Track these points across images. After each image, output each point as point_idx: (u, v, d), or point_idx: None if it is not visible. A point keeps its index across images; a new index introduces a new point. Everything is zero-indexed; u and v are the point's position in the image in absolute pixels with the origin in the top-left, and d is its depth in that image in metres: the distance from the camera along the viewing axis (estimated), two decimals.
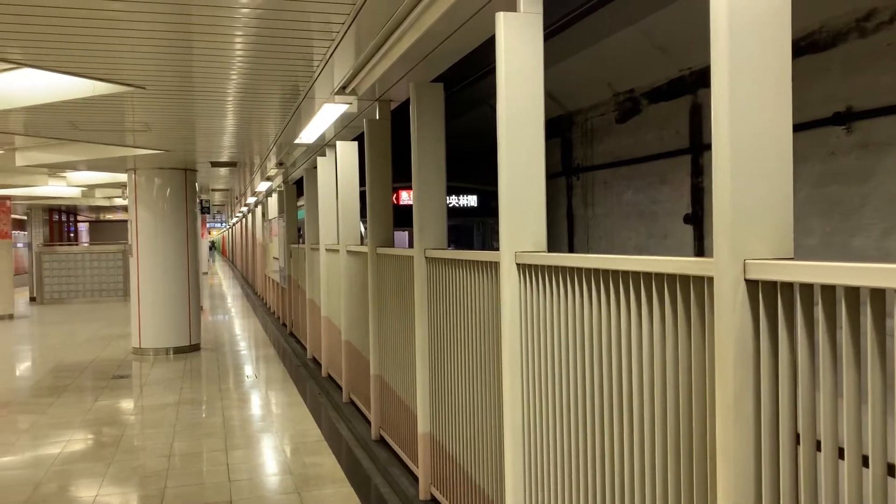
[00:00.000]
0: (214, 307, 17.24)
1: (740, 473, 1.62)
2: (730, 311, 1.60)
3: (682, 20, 7.03)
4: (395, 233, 10.68)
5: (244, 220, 25.67)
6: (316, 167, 9.12)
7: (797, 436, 1.57)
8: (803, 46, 6.19)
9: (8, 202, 15.41)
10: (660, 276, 1.94)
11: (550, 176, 10.78)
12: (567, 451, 2.51)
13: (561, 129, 10.36)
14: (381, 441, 5.28)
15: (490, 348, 3.20)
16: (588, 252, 9.60)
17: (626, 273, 2.10)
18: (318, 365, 8.51)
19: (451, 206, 10.83)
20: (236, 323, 14.26)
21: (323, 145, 7.75)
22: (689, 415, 1.85)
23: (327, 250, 7.65)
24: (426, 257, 4.06)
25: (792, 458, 1.57)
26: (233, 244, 38.55)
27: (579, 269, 2.39)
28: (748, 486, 1.62)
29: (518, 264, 2.81)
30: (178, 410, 6.68)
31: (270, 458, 5.23)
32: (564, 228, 10.40)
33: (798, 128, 5.38)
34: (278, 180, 12.93)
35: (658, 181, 8.43)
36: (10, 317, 15.31)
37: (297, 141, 7.50)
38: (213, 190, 16.19)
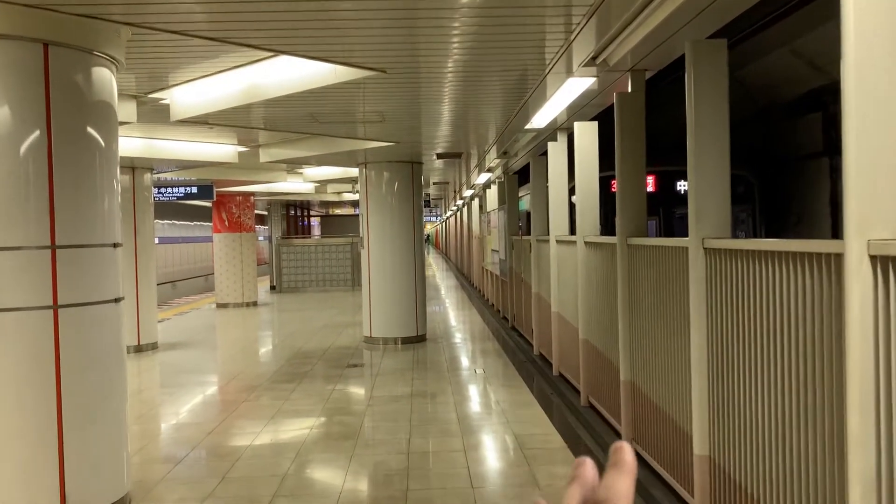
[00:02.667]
0: (432, 298, 17.52)
1: None
2: None
3: None
4: None
5: (458, 213, 26.07)
6: (543, 154, 8.68)
7: None
8: None
9: (252, 198, 16.72)
10: None
11: (808, 157, 9.45)
12: None
13: (822, 101, 9.01)
14: (636, 456, 4.69)
15: (816, 361, 2.51)
16: None
17: None
18: (547, 362, 8.06)
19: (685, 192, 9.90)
20: (456, 314, 14.29)
21: (554, 129, 7.27)
22: None
23: (558, 242, 7.17)
24: (705, 248, 3.41)
25: None
26: (447, 237, 39.58)
27: None
28: None
29: (872, 256, 2.11)
30: (411, 403, 6.56)
31: (512, 464, 4.86)
32: (826, 218, 9.04)
33: None
34: (498, 171, 12.71)
35: None
36: (255, 304, 16.61)
37: (527, 126, 7.09)
38: (434, 183, 16.43)
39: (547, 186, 8.66)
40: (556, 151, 7.25)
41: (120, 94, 6.26)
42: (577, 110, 6.27)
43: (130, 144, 8.90)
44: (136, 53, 4.79)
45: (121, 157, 9.41)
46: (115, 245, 4.19)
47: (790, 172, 9.89)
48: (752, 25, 9.04)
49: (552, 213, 7.25)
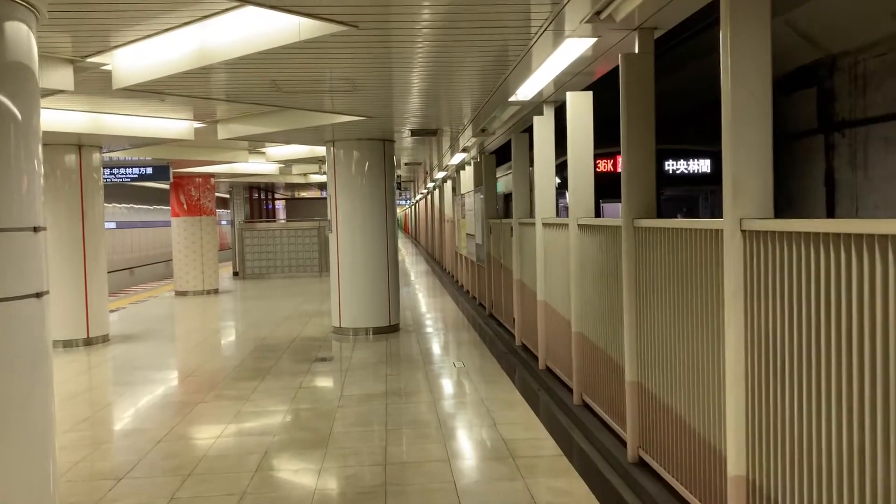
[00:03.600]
0: (402, 284, 16.92)
1: None
2: None
3: None
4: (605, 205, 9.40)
5: (429, 196, 25.43)
6: (526, 130, 8.11)
7: None
8: None
9: (212, 180, 15.89)
10: None
11: (800, 134, 9.02)
12: None
13: (817, 76, 8.56)
14: (643, 465, 4.16)
15: None
16: None
17: None
18: (531, 354, 7.50)
19: (675, 172, 9.38)
20: (429, 301, 13.72)
21: (540, 102, 6.68)
22: None
23: (545, 225, 6.60)
24: (744, 230, 2.86)
25: None
26: (416, 220, 38.92)
27: None
28: None
29: None
30: (386, 403, 5.97)
31: (504, 477, 4.29)
32: (822, 197, 8.63)
33: None
34: (473, 151, 12.11)
35: None
36: (216, 291, 15.83)
37: (512, 98, 6.50)
38: (405, 164, 15.78)
39: (530, 165, 8.09)
40: (542, 126, 6.67)
41: (54, 58, 5.53)
42: (568, 79, 5.70)
43: (74, 119, 8.11)
44: (69, 6, 4.09)
45: (66, 134, 8.65)
46: (35, 229, 3.51)
47: (777, 151, 9.45)
48: None
49: (538, 193, 6.68)
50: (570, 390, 5.78)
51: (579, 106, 5.40)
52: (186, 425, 5.55)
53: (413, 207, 40.00)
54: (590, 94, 5.45)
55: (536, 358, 7.11)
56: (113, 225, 27.78)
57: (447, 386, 6.65)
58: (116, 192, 27.58)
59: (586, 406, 5.46)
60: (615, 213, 9.79)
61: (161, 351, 9.16)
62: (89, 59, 5.46)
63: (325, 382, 6.96)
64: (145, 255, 30.42)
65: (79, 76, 5.70)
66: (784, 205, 9.48)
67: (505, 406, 5.81)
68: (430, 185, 22.33)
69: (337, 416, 5.63)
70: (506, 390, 6.34)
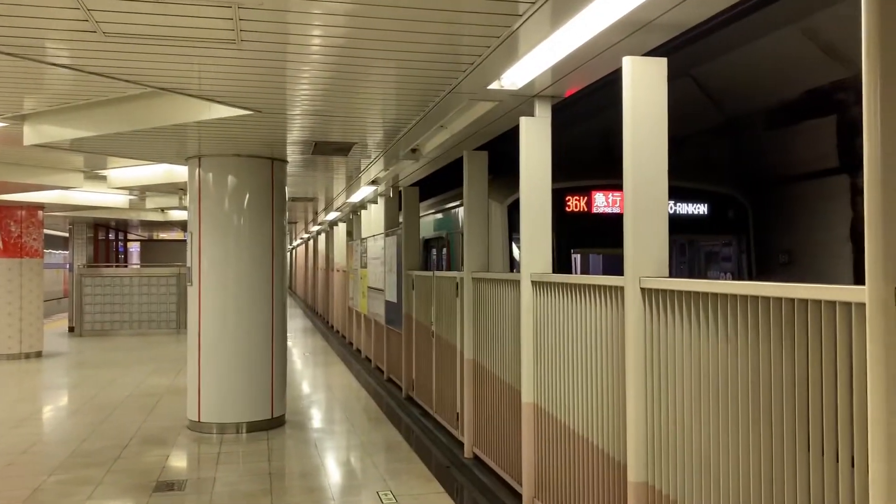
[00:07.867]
0: None
1: None
2: None
3: None
4: (592, 256, 7.14)
5: (311, 241, 22.59)
6: (481, 148, 5.78)
7: None
8: None
9: (40, 212, 12.48)
10: None
11: (808, 176, 7.23)
12: None
13: (836, 102, 6.82)
14: None
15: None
16: None
17: None
18: (496, 477, 4.98)
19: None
20: (318, 372, 10.95)
21: (531, 96, 4.35)
22: None
23: (536, 284, 4.22)
24: None
25: None
26: (294, 268, 35.63)
27: None
28: None
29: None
30: None
31: None
32: (833, 258, 6.83)
33: None
34: (383, 186, 9.68)
35: None
36: (38, 355, 12.29)
37: (493, 85, 4.15)
38: (289, 200, 13.03)
39: (487, 196, 5.75)
40: (535, 131, 4.31)
41: None
42: (610, 47, 3.42)
43: None
44: None
45: None
46: None
47: (779, 196, 7.65)
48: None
49: (525, 234, 4.30)
50: None
51: (648, 78, 3.08)
52: None
53: (291, 253, 36.72)
54: (664, 60, 3.14)
55: (510, 489, 4.61)
56: None
57: None
58: None
59: None
60: (597, 268, 7.57)
61: None
62: None
63: None
64: None
65: None
66: (783, 262, 7.64)
67: None
68: (315, 228, 19.58)
69: None
70: None
